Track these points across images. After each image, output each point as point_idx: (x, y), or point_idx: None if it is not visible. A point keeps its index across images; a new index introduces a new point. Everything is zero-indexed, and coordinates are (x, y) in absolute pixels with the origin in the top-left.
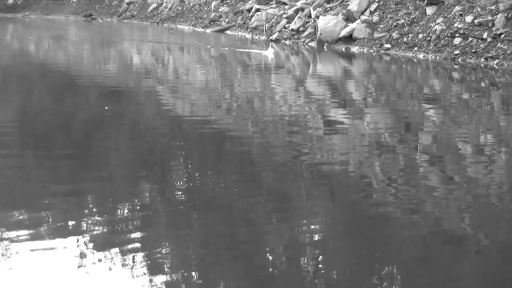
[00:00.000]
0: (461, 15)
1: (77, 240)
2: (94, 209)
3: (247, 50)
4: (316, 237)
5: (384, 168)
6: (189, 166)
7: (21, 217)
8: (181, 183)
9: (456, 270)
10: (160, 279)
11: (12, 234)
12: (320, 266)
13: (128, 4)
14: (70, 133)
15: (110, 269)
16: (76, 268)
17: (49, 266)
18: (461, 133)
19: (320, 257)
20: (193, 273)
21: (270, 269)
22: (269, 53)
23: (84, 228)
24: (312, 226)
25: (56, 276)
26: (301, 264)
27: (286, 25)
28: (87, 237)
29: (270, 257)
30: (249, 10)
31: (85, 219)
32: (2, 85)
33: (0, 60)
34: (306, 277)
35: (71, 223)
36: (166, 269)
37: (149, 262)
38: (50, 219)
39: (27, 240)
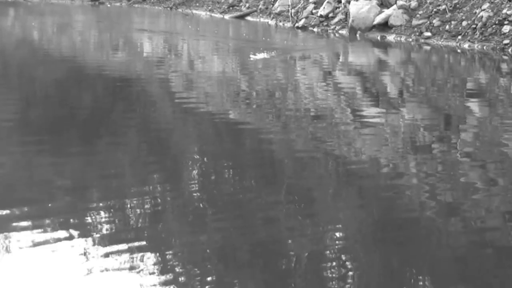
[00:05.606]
0: (510, 0)
1: (84, 240)
2: (102, 207)
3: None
4: (343, 242)
5: (419, 168)
6: (206, 162)
7: (23, 215)
8: (197, 180)
9: (497, 280)
10: (173, 283)
11: (14, 232)
12: (347, 273)
13: None
14: (75, 126)
15: (119, 271)
16: (80, 268)
17: (52, 266)
18: (508, 131)
19: (348, 262)
20: (209, 277)
21: (292, 275)
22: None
23: (89, 228)
24: (339, 229)
25: (61, 276)
26: (326, 270)
27: (314, 11)
28: (92, 237)
29: (292, 262)
30: None
31: (90, 219)
32: (3, 76)
33: (0, 50)
34: (332, 284)
35: (76, 223)
36: (179, 273)
37: (162, 265)
38: (55, 219)
39: (29, 239)
